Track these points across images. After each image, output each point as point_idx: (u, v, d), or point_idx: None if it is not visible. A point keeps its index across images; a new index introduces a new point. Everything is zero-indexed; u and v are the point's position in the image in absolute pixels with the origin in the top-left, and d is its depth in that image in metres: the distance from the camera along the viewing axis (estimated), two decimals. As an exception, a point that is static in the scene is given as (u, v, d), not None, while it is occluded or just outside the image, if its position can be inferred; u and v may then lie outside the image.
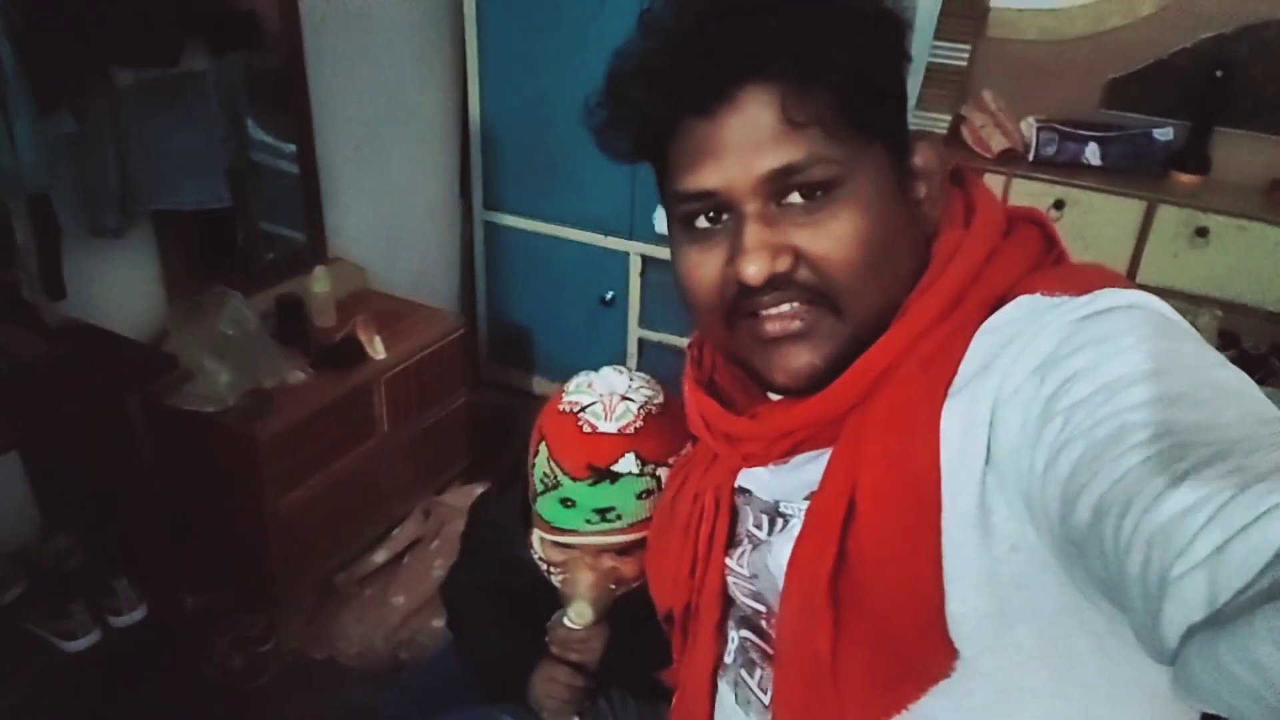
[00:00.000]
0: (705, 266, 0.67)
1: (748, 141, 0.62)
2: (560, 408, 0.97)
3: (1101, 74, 2.50)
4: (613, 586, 0.99)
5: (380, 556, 2.28)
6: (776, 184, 0.62)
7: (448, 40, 2.66)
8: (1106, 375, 0.50)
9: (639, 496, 0.94)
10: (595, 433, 0.94)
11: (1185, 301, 2.28)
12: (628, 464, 0.93)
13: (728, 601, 0.81)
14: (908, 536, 0.59)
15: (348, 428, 2.12)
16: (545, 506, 0.96)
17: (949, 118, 2.57)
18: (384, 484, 2.27)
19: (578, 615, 0.97)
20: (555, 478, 0.94)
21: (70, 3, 1.42)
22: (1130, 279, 2.34)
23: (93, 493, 1.69)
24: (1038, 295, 0.60)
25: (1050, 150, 2.44)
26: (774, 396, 0.73)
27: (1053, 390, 0.53)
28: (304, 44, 2.19)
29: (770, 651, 0.76)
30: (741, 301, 0.66)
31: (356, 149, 2.47)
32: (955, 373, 0.60)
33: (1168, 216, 2.27)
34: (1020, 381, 0.55)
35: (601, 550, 0.97)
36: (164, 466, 2.03)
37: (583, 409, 0.96)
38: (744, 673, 0.78)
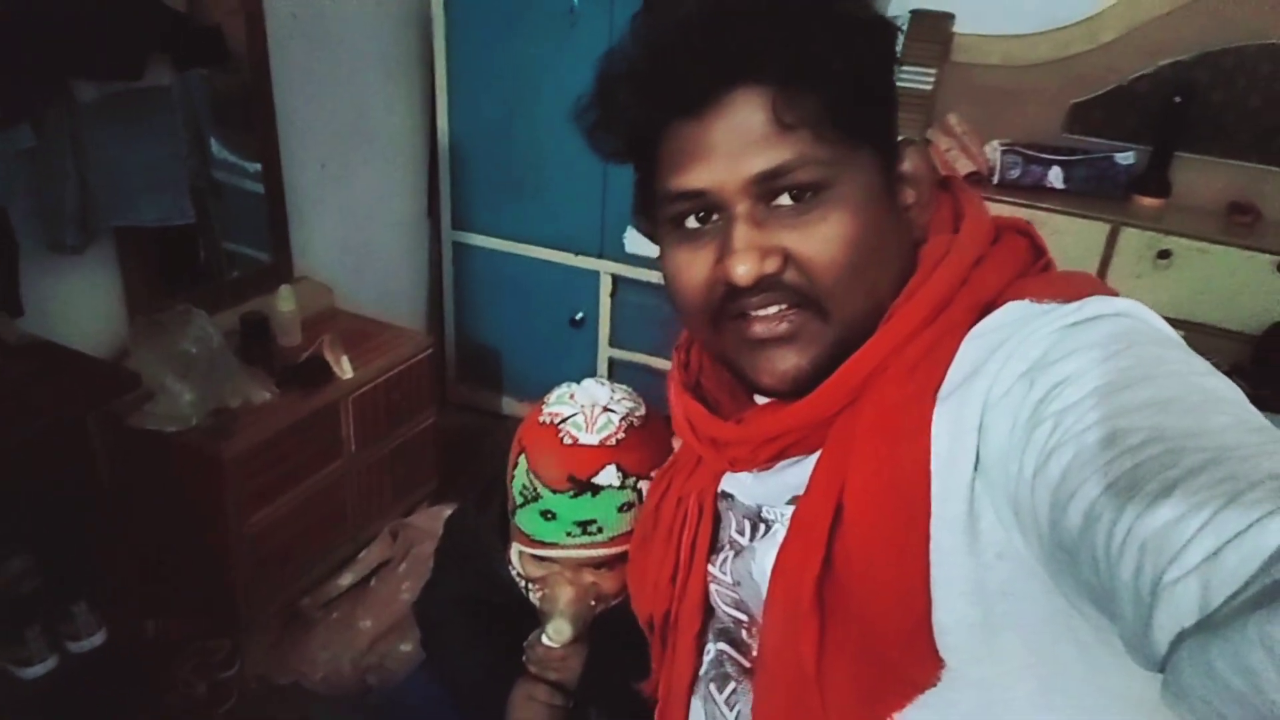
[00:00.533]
0: (694, 267, 0.67)
1: (738, 143, 0.62)
2: (541, 419, 0.96)
3: (1064, 99, 2.55)
4: (592, 603, 0.98)
5: (347, 579, 2.24)
6: (766, 185, 0.63)
7: (416, 58, 2.66)
8: (1096, 381, 0.51)
9: (620, 509, 0.93)
10: (576, 444, 0.93)
11: (1147, 322, 2.32)
12: (609, 476, 0.92)
13: (708, 612, 0.80)
14: (895, 541, 0.59)
15: (314, 448, 2.08)
16: (525, 519, 0.95)
17: (916, 140, 2.61)
18: (351, 505, 2.24)
19: (556, 633, 0.96)
20: (535, 490, 0.93)
21: (32, 14, 1.39)
22: (1094, 299, 2.39)
23: (51, 514, 1.65)
24: (1027, 301, 0.61)
25: (1015, 173, 2.48)
26: (760, 400, 0.73)
27: (1042, 395, 0.53)
28: (270, 60, 2.17)
29: (746, 665, 0.75)
30: (729, 303, 0.66)
31: (323, 167, 2.45)
32: (944, 377, 0.60)
33: (1131, 239, 2.31)
34: (1009, 386, 0.55)
35: (581, 564, 0.96)
36: (125, 487, 1.99)
37: (564, 420, 0.94)
38: (714, 687, 0.78)
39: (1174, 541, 0.39)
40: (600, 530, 0.93)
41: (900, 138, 0.70)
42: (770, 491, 0.72)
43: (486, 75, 2.57)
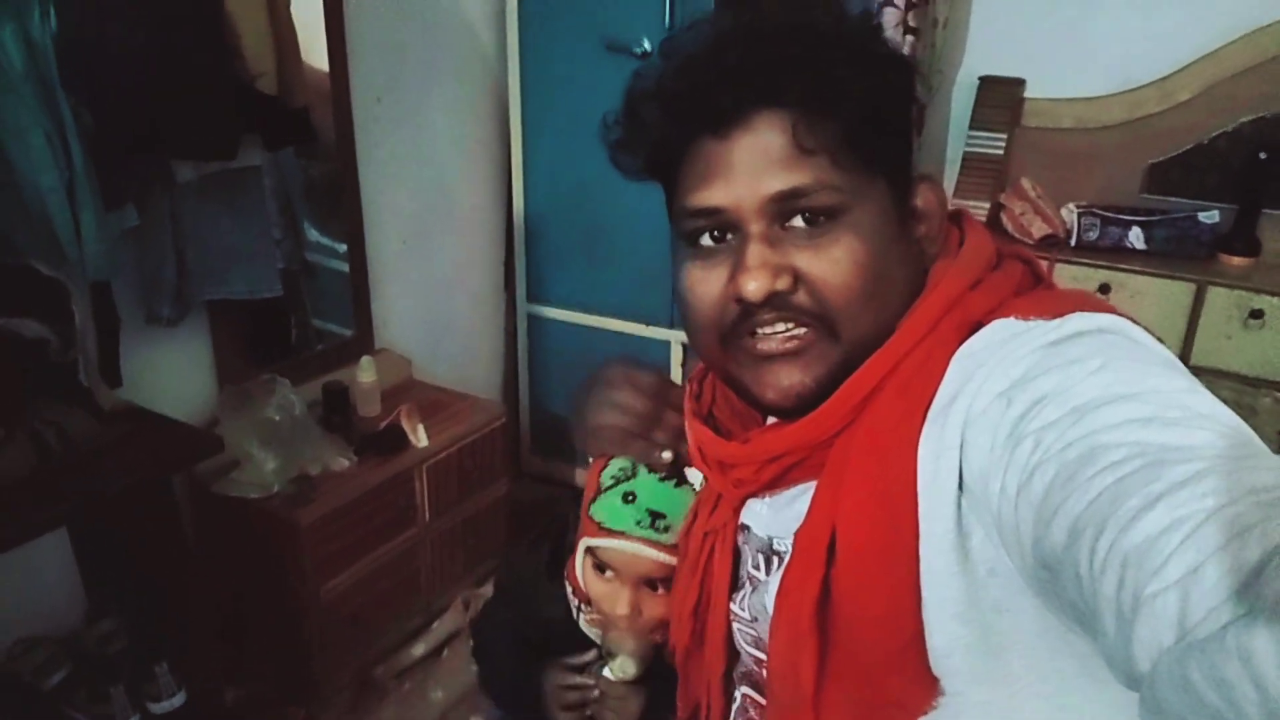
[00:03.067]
0: (707, 284, 0.68)
1: (758, 163, 0.64)
2: None
3: (1141, 160, 2.51)
4: (655, 636, 0.96)
5: (419, 649, 2.25)
6: (782, 206, 0.64)
7: (494, 136, 2.76)
8: (1076, 398, 0.51)
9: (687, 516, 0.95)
10: None
11: (1242, 384, 2.22)
12: (695, 478, 0.94)
13: (733, 654, 0.80)
14: (884, 561, 0.59)
15: (389, 515, 2.12)
16: (603, 504, 0.96)
17: (988, 204, 2.58)
18: (424, 573, 2.26)
19: (621, 670, 0.95)
20: (633, 469, 0.95)
21: (137, 102, 1.50)
22: (1184, 361, 2.30)
23: (138, 577, 1.70)
24: (1012, 319, 0.61)
25: (1093, 235, 2.44)
26: (770, 422, 0.74)
27: (1021, 412, 0.53)
28: (355, 142, 2.28)
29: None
30: (741, 321, 0.67)
31: (404, 243, 2.54)
32: (933, 395, 0.61)
33: (1218, 299, 2.23)
34: (987, 404, 0.56)
35: (639, 576, 0.95)
36: (209, 552, 2.04)
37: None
38: None
39: (1156, 556, 0.39)
40: (666, 530, 0.94)
41: (915, 173, 0.72)
42: (782, 522, 0.72)
43: (560, 151, 2.65)
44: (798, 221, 0.65)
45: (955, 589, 0.57)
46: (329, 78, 2.16)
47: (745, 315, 0.66)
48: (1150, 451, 0.45)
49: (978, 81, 2.62)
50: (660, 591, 0.96)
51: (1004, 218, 2.59)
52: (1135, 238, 2.41)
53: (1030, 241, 2.49)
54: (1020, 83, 2.61)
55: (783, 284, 0.64)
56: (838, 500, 0.62)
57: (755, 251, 0.64)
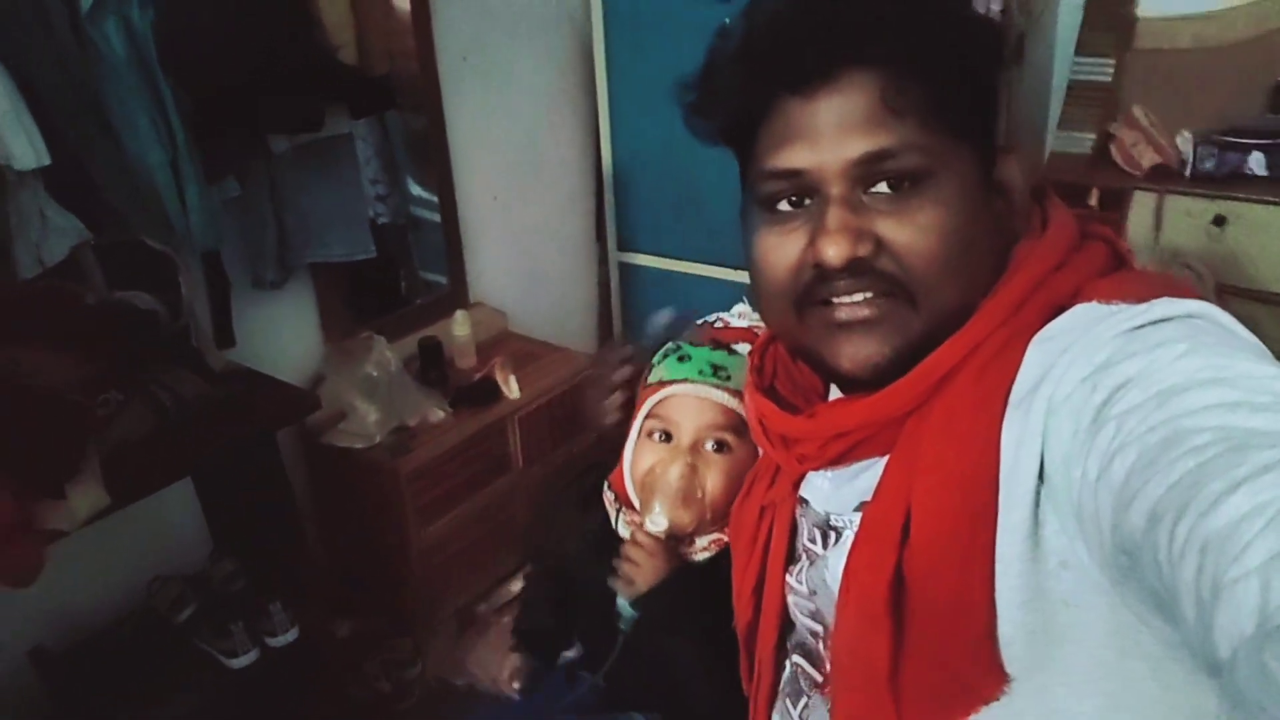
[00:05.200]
0: (783, 249, 0.66)
1: (844, 124, 0.62)
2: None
3: (1267, 78, 2.33)
4: (699, 495, 0.97)
5: (518, 586, 2.36)
6: (867, 169, 0.62)
7: (579, 88, 2.78)
8: (1161, 382, 0.49)
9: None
10: (726, 325, 1.08)
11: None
12: (745, 350, 1.00)
13: (787, 625, 0.80)
14: (961, 550, 0.58)
15: (484, 464, 2.22)
16: (660, 368, 1.01)
17: (1094, 136, 2.45)
18: (519, 517, 2.36)
19: (653, 523, 0.97)
20: (677, 345, 1.02)
21: (228, 81, 1.59)
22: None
23: (252, 523, 1.85)
24: (1094, 303, 0.59)
25: (1209, 164, 2.29)
26: (834, 396, 0.73)
27: (1105, 397, 0.51)
28: (443, 100, 2.34)
29: (818, 678, 0.75)
30: (817, 287, 0.65)
31: (495, 198, 2.60)
32: (1012, 381, 0.59)
33: (1348, 229, 2.07)
34: (1071, 390, 0.54)
35: (705, 429, 0.98)
36: (321, 498, 2.20)
37: (720, 316, 1.10)
38: (789, 702, 0.78)
39: (1236, 541, 0.38)
40: (729, 378, 0.97)
41: (999, 144, 0.69)
42: (842, 497, 0.72)
43: (645, 100, 2.65)
44: (881, 187, 0.63)
45: (1024, 578, 0.56)
46: (414, 39, 2.21)
47: (822, 281, 0.64)
48: (1235, 436, 0.43)
49: (1084, 2, 2.47)
50: (722, 453, 0.98)
51: (1113, 149, 2.46)
52: (1256, 163, 2.26)
53: (1139, 174, 2.36)
54: (1131, 0, 2.44)
55: (864, 250, 0.62)
56: (912, 483, 0.61)
57: (837, 215, 0.62)
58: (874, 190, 0.63)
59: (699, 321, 1.10)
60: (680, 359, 1.00)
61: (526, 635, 1.19)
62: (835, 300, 0.65)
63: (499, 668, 1.14)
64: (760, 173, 0.67)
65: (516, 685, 1.11)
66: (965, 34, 0.63)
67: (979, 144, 0.65)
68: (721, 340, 1.03)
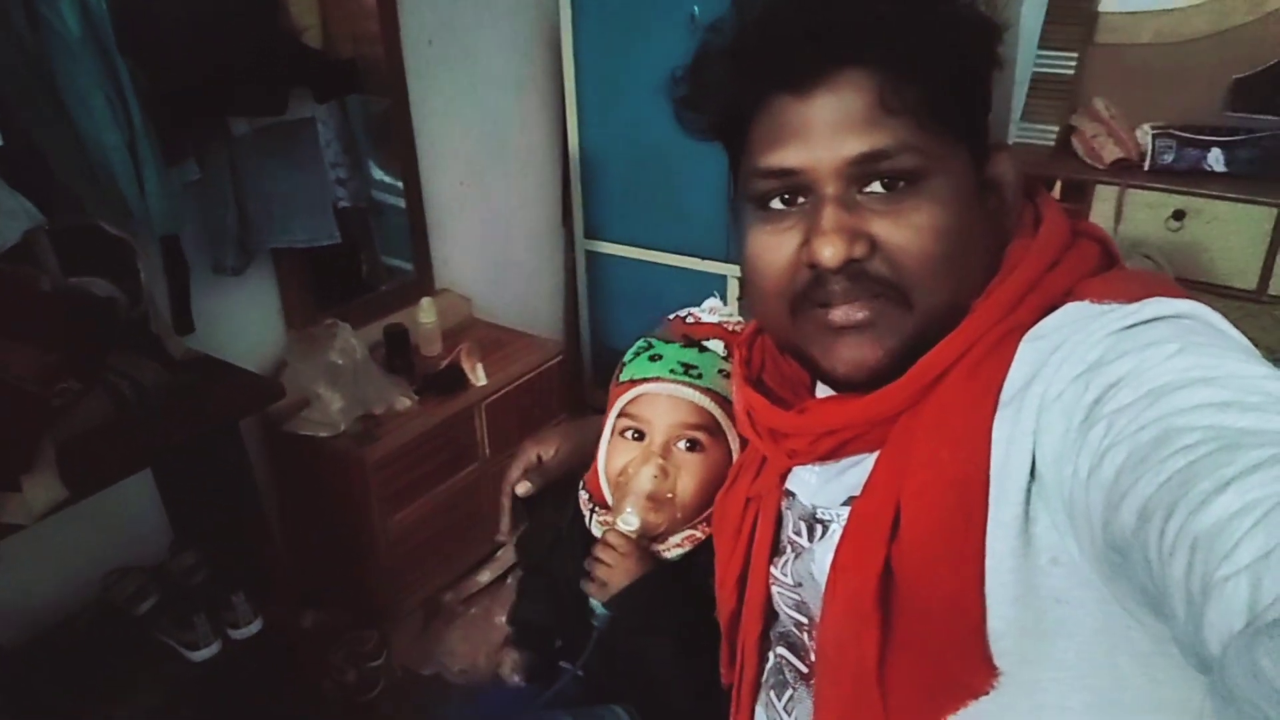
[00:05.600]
0: (778, 249, 0.66)
1: (839, 123, 0.62)
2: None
3: (1225, 75, 2.37)
4: (671, 496, 0.97)
5: (485, 576, 2.35)
6: (861, 168, 0.62)
7: (546, 75, 2.75)
8: (1151, 381, 0.49)
9: (720, 372, 0.98)
10: (697, 321, 1.07)
11: (1324, 314, 2.12)
12: (716, 346, 1.01)
13: (771, 616, 0.80)
14: (952, 547, 0.58)
15: (451, 452, 2.20)
16: (632, 367, 1.01)
17: (1056, 128, 2.48)
18: (486, 506, 2.35)
19: (624, 523, 0.96)
20: (649, 343, 1.03)
21: (188, 61, 1.55)
22: (1261, 291, 2.20)
23: (214, 513, 1.82)
24: (1086, 302, 0.59)
25: (1168, 158, 2.33)
26: (821, 393, 0.73)
27: (1096, 396, 0.52)
28: (408, 84, 2.31)
29: (802, 669, 0.75)
30: (811, 289, 0.65)
31: (461, 183, 2.58)
32: (1004, 379, 0.59)
33: (1302, 224, 2.12)
34: (1063, 388, 0.54)
35: (677, 428, 0.97)
36: (284, 487, 2.17)
37: (690, 311, 1.10)
38: (773, 694, 0.78)
39: (1226, 539, 0.39)
40: (700, 376, 0.97)
41: (991, 141, 0.69)
42: (831, 492, 0.72)
43: (613, 87, 2.63)
44: (875, 186, 0.62)
45: (1014, 574, 0.56)
46: (379, 23, 2.17)
47: (817, 283, 0.64)
48: (1225, 435, 0.44)
49: (1048, -4, 2.50)
50: (694, 452, 0.98)
51: (1074, 140, 2.49)
52: (1215, 160, 2.30)
53: (1101, 166, 2.39)
54: (1095, -5, 2.48)
55: (860, 250, 0.62)
56: (902, 480, 0.61)
57: (832, 215, 0.62)
58: (868, 190, 0.63)
59: (669, 316, 1.10)
60: (651, 358, 1.00)
61: (521, 628, 1.18)
62: (831, 302, 0.65)
63: (497, 661, 1.14)
64: (753, 170, 0.66)
65: (517, 678, 1.10)
66: (962, 33, 0.63)
67: (972, 142, 0.65)
68: (692, 337, 1.02)
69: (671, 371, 0.97)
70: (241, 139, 1.80)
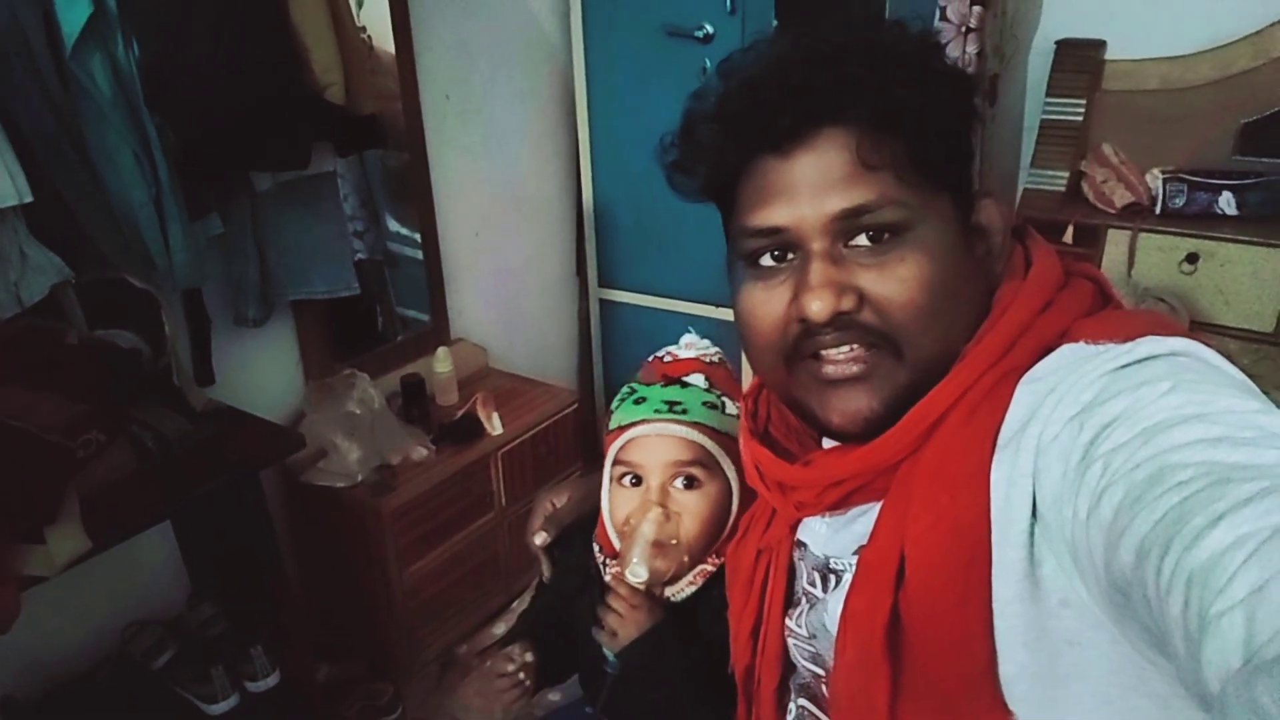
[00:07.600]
0: (769, 305, 0.68)
1: (821, 181, 0.64)
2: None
3: (1233, 120, 2.38)
4: (674, 541, 0.98)
5: (500, 629, 2.33)
6: (846, 223, 0.64)
7: (560, 127, 2.79)
8: (1146, 420, 0.50)
9: (704, 405, 1.01)
10: (675, 359, 1.08)
11: (1342, 356, 2.12)
12: (697, 380, 1.03)
13: (788, 667, 0.80)
14: (957, 591, 0.58)
15: (467, 501, 2.19)
16: (619, 413, 1.03)
17: (1066, 174, 2.50)
18: (503, 556, 2.34)
19: (633, 574, 0.97)
20: (632, 388, 1.05)
21: (214, 119, 1.58)
22: (1278, 333, 2.19)
23: (233, 565, 1.81)
24: (1081, 344, 0.60)
25: (1179, 202, 2.33)
26: (828, 444, 0.74)
27: (1092, 436, 0.52)
28: (426, 138, 2.34)
29: None
30: (803, 342, 0.67)
31: (477, 234, 2.60)
32: (1001, 422, 0.60)
33: (1316, 266, 2.12)
34: (1059, 430, 0.55)
35: (671, 467, 0.98)
36: (300, 538, 2.16)
37: (669, 349, 1.11)
38: None
39: (1220, 574, 0.39)
40: (685, 411, 0.99)
41: (977, 190, 0.70)
42: (841, 542, 0.72)
43: (626, 138, 2.67)
44: (861, 240, 0.64)
45: (1024, 618, 0.56)
46: (398, 78, 2.22)
47: (808, 336, 0.66)
48: (1217, 471, 0.44)
49: (1054, 46, 2.53)
50: (693, 489, 0.99)
51: (1085, 186, 2.51)
52: (1226, 203, 2.30)
53: (1112, 210, 2.40)
54: (1100, 44, 2.51)
55: (847, 304, 0.63)
56: (905, 526, 0.62)
57: (818, 270, 0.64)
58: (854, 243, 0.64)
59: (648, 359, 1.12)
60: (636, 401, 1.02)
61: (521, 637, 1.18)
62: (823, 354, 0.66)
63: (514, 710, 1.14)
64: (742, 229, 0.68)
65: (524, 678, 1.10)
66: (937, 89, 0.65)
67: (956, 191, 0.67)
68: (671, 376, 1.05)
69: (656, 411, 0.99)
70: (264, 193, 1.83)
